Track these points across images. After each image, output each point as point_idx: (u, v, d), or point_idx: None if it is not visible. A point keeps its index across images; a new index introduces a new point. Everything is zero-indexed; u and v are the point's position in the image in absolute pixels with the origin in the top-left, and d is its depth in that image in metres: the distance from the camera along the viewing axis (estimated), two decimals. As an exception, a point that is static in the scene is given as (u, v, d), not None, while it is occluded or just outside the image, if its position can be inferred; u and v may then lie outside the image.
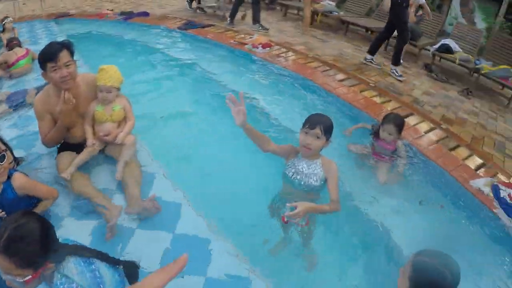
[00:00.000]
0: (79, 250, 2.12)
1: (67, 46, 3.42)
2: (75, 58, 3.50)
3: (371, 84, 6.35)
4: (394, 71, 7.24)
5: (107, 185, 3.72)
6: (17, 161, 3.61)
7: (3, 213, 2.93)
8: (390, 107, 5.53)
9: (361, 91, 5.96)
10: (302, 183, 3.05)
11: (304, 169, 3.07)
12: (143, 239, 3.16)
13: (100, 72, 3.65)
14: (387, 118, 4.21)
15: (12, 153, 3.51)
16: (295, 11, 12.27)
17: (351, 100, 5.54)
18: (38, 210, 3.07)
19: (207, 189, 3.76)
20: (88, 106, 3.75)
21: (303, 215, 2.69)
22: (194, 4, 11.81)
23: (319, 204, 2.96)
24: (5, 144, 3.45)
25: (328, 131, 2.94)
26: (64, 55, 3.34)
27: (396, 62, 7.30)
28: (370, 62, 7.63)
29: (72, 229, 3.20)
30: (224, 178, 3.88)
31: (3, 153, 2.82)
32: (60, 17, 11.66)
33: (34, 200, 3.13)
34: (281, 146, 3.25)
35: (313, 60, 7.27)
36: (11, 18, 8.92)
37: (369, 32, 10.11)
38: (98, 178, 3.78)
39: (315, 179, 3.05)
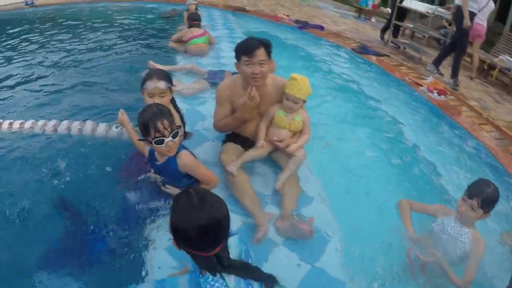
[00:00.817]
0: (243, 271, 1.92)
1: (265, 44, 3.41)
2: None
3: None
4: None
5: (263, 189, 3.61)
6: (186, 135, 3.70)
7: (162, 179, 3.12)
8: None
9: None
10: (447, 244, 2.91)
11: (452, 231, 2.94)
12: (282, 258, 2.97)
13: (291, 81, 3.54)
14: None
15: (184, 128, 3.63)
16: (469, 59, 11.41)
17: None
18: None
19: (360, 227, 3.39)
20: (269, 106, 3.69)
21: (429, 261, 2.74)
22: (387, 36, 10.55)
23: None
24: (182, 119, 3.57)
25: (487, 205, 2.79)
26: (260, 53, 3.34)
27: None
28: None
29: None
30: (380, 220, 3.48)
31: (177, 130, 2.81)
32: (237, 10, 12.11)
33: (192, 180, 3.10)
34: (427, 206, 3.30)
35: (486, 123, 6.45)
36: (194, 1, 9.26)
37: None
38: (256, 179, 3.68)
39: (459, 247, 2.88)
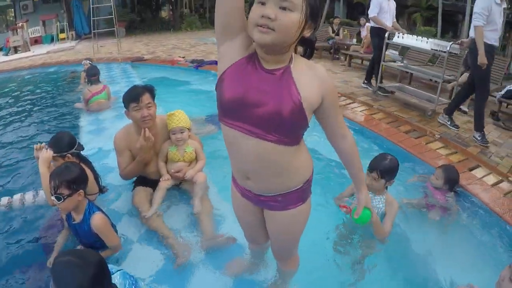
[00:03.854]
0: None
1: (149, 89, 3.80)
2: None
3: (436, 136, 6.24)
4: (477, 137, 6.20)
5: (181, 218, 3.89)
6: (102, 189, 3.86)
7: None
8: (456, 159, 5.44)
9: (426, 143, 5.90)
10: None
11: None
12: (209, 274, 3.19)
13: (169, 117, 3.91)
14: (441, 167, 4.29)
15: (98, 182, 3.79)
16: (359, 61, 12.40)
17: (416, 153, 5.50)
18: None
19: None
20: (163, 143, 4.03)
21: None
22: (374, 83, 9.02)
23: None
24: (96, 177, 3.72)
25: (386, 173, 3.33)
26: (146, 97, 3.69)
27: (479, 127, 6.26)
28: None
29: (141, 255, 3.38)
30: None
31: (60, 195, 2.87)
32: (136, 61, 12.38)
33: (101, 242, 3.17)
34: (346, 190, 3.78)
35: (377, 111, 7.28)
36: (88, 61, 9.51)
37: (434, 81, 9.54)
38: (174, 212, 3.96)
39: (376, 213, 3.28)
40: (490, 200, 4.35)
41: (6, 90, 10.48)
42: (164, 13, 30.47)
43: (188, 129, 3.98)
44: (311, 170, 2.15)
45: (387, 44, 8.31)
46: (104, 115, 7.18)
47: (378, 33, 8.43)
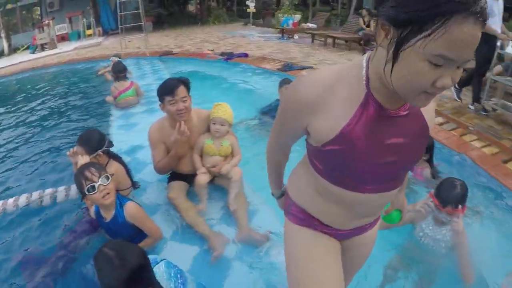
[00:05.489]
0: None
1: (184, 82, 3.69)
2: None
3: (470, 128, 6.02)
4: None
5: (216, 213, 3.84)
6: (134, 185, 3.87)
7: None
8: (489, 151, 5.16)
9: (460, 135, 5.71)
10: (433, 247, 3.03)
11: (430, 233, 3.06)
12: (244, 268, 3.13)
13: (215, 107, 3.83)
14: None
15: (131, 177, 3.79)
16: None
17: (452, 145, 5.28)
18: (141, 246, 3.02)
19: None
20: (198, 138, 3.95)
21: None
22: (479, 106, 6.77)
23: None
24: (128, 172, 3.75)
25: (461, 202, 2.85)
26: (181, 90, 3.61)
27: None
28: None
29: (177, 248, 3.34)
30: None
31: (107, 174, 2.94)
32: (164, 55, 12.44)
33: (139, 234, 3.16)
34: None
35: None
36: (116, 57, 9.61)
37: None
38: (208, 206, 3.87)
39: (442, 246, 3.01)
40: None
41: (36, 87, 10.64)
42: (191, 7, 30.59)
43: (230, 124, 3.89)
44: None
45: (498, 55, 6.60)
46: (133, 110, 7.18)
47: (487, 40, 6.35)
